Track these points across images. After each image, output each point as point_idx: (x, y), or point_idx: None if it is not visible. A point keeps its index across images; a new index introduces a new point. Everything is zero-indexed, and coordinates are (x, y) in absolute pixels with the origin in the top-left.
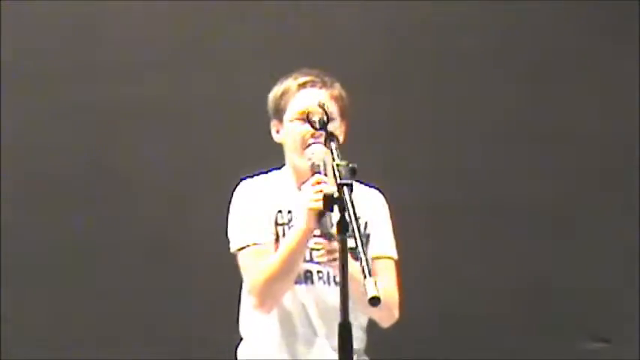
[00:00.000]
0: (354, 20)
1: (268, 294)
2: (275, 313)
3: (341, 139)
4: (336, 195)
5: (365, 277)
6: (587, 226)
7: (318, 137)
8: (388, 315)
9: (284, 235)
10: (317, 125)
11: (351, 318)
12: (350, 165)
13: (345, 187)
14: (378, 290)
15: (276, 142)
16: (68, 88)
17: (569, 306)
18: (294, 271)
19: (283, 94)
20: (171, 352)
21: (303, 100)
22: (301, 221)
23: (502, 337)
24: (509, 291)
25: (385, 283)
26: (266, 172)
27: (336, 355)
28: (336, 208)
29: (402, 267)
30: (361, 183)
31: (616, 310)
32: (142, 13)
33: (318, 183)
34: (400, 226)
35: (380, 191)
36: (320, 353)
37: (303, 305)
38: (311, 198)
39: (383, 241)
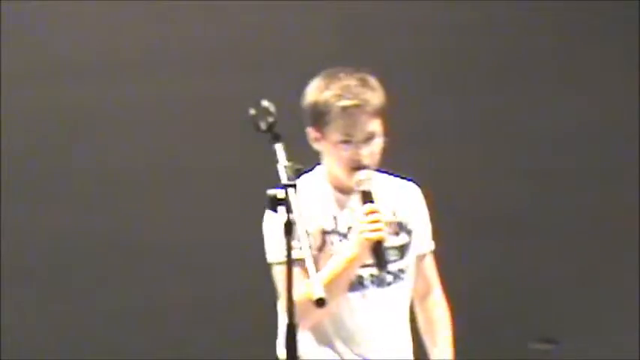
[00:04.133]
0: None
1: (305, 316)
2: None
3: (379, 154)
4: (281, 196)
5: (310, 278)
6: (538, 228)
7: (364, 162)
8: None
9: (332, 243)
10: (262, 128)
11: (404, 318)
12: (296, 167)
13: (290, 189)
14: (322, 292)
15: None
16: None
17: (517, 307)
18: (337, 295)
19: (325, 106)
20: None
21: (347, 123)
22: (352, 249)
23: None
24: (457, 291)
25: (435, 279)
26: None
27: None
28: (282, 209)
29: None
30: (396, 176)
31: (564, 312)
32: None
33: (372, 212)
34: None
35: (416, 184)
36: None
37: (354, 312)
38: (366, 228)
39: (428, 237)
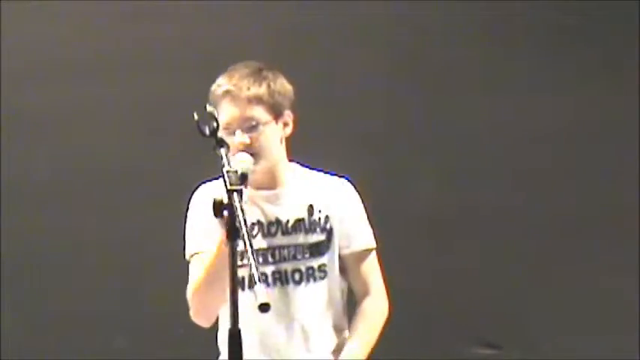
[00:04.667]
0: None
1: (200, 306)
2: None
3: (270, 143)
4: (225, 201)
5: (255, 283)
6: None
7: (245, 148)
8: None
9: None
10: (206, 133)
11: (322, 318)
12: (240, 171)
13: (234, 194)
14: (266, 297)
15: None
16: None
17: (460, 310)
18: (220, 281)
19: (212, 97)
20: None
21: (224, 113)
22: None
23: (390, 340)
24: (399, 293)
25: (374, 279)
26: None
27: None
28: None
29: None
30: (327, 173)
31: (508, 316)
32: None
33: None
34: None
35: (349, 180)
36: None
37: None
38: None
39: (360, 234)
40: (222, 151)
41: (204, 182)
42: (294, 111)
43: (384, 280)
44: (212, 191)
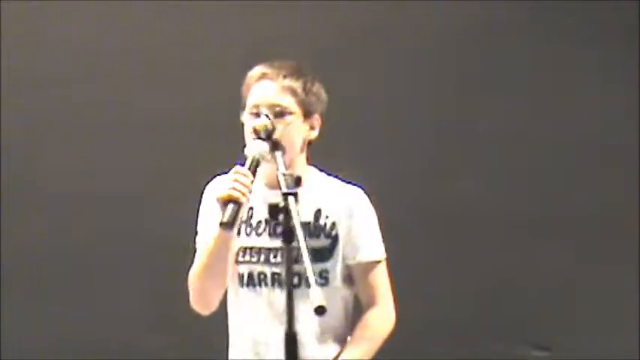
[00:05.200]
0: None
1: (197, 292)
2: (233, 317)
3: (292, 136)
4: (282, 204)
5: (310, 285)
6: (539, 228)
7: (257, 133)
8: (388, 318)
9: (239, 233)
10: (262, 135)
11: (316, 324)
12: (295, 175)
13: (290, 197)
14: (322, 300)
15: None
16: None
17: (510, 312)
18: (216, 266)
19: (245, 87)
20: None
21: (254, 94)
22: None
23: (442, 342)
24: (454, 296)
25: (380, 290)
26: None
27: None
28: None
29: None
30: (344, 181)
31: (557, 319)
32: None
33: (237, 173)
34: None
35: (363, 189)
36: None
37: (254, 310)
38: (222, 187)
39: (368, 245)
40: (278, 154)
41: (218, 175)
42: (323, 121)
43: (395, 289)
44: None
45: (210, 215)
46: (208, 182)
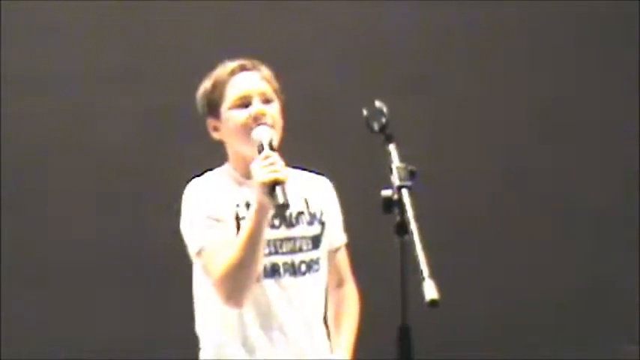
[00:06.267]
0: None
1: (235, 285)
2: (239, 312)
3: (280, 121)
4: (395, 197)
5: (424, 278)
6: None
7: (260, 119)
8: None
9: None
10: (376, 129)
11: (319, 308)
12: (409, 167)
13: (403, 189)
14: (436, 293)
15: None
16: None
17: (607, 308)
18: (258, 255)
19: (214, 86)
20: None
21: (239, 86)
22: (256, 200)
23: (532, 338)
24: (548, 293)
25: (348, 271)
26: (211, 170)
27: (307, 355)
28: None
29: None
30: (305, 170)
31: None
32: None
33: (267, 157)
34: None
35: (326, 177)
36: (289, 353)
37: (270, 301)
38: (262, 172)
39: (340, 230)
40: (391, 146)
41: (196, 177)
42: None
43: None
44: (210, 183)
45: (210, 212)
46: (188, 185)
